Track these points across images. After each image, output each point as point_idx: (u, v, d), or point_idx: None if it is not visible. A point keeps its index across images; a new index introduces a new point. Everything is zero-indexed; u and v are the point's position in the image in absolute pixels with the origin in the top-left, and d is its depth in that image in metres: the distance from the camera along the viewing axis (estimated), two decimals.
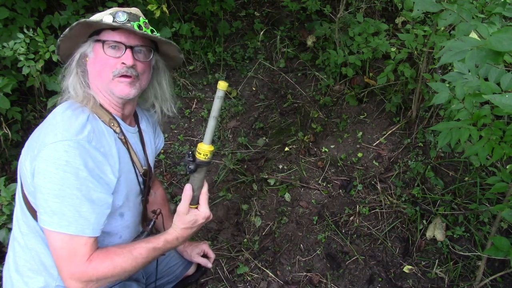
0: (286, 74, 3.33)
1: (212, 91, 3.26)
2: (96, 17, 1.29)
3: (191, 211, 1.32)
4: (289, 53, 3.41)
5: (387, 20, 3.34)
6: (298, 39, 3.51)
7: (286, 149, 2.85)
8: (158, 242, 1.28)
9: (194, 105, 3.17)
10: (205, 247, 1.71)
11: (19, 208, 1.30)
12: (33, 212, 1.24)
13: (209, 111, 3.10)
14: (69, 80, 1.30)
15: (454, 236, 2.32)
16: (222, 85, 1.27)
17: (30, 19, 2.68)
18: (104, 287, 1.20)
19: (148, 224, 1.41)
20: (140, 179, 1.40)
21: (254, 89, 3.30)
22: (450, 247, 2.29)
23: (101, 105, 1.30)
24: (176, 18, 3.29)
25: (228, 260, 2.31)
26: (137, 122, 1.46)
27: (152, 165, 1.51)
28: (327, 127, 2.99)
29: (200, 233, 2.43)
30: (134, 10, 1.34)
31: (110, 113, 1.31)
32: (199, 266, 1.91)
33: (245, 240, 2.40)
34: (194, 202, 1.34)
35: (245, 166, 2.78)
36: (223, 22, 3.46)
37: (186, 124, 3.08)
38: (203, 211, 1.33)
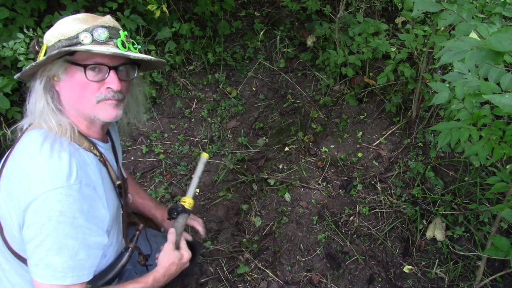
0: (286, 74, 3.33)
1: (212, 91, 3.26)
2: (68, 31, 1.10)
3: (176, 250, 1.42)
4: (289, 53, 3.41)
5: (387, 20, 3.34)
6: (298, 39, 3.51)
7: (286, 149, 2.85)
8: (147, 281, 1.28)
9: (194, 105, 3.17)
10: (194, 223, 1.70)
11: None
12: (15, 254, 1.17)
13: (209, 111, 3.11)
14: (38, 108, 1.14)
15: (454, 236, 2.32)
16: (205, 156, 1.68)
17: (30, 19, 2.68)
18: None
19: (132, 240, 1.37)
20: (117, 192, 1.33)
21: (254, 89, 3.30)
22: (450, 247, 2.29)
23: (78, 132, 1.18)
24: (176, 18, 3.29)
25: (228, 260, 2.31)
26: (109, 135, 1.38)
27: (124, 174, 1.44)
28: (327, 127, 2.99)
29: None
30: (110, 21, 1.16)
31: (87, 137, 1.20)
32: None
33: (245, 240, 2.40)
34: (175, 246, 1.49)
35: (245, 166, 2.78)
36: (223, 22, 3.46)
37: (186, 124, 3.08)
38: (186, 252, 1.45)
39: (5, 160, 1.17)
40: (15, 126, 1.22)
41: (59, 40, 1.11)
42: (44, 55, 1.12)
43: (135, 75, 1.22)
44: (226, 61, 3.40)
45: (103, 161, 1.24)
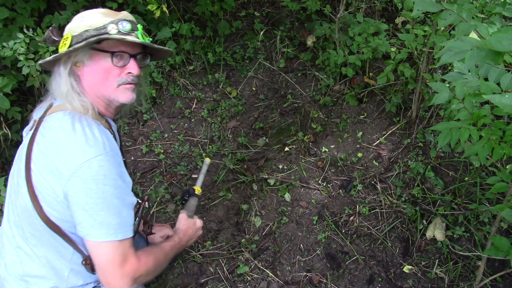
0: (286, 74, 3.33)
1: (212, 91, 3.26)
2: (94, 22, 1.28)
3: (189, 218, 1.71)
4: (289, 53, 3.41)
5: (387, 20, 3.34)
6: (298, 39, 3.51)
7: (286, 149, 2.85)
8: (174, 239, 1.56)
9: (194, 105, 3.17)
10: (167, 230, 1.87)
11: (27, 222, 1.30)
12: (51, 224, 1.27)
13: (209, 111, 3.11)
14: (63, 90, 1.31)
15: (454, 236, 2.32)
16: (208, 160, 2.02)
17: (30, 19, 2.68)
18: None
19: (138, 211, 1.50)
20: None
21: (254, 89, 3.30)
22: (450, 247, 2.29)
23: (98, 111, 1.36)
24: (176, 18, 3.29)
25: (228, 260, 2.31)
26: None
27: None
28: (327, 127, 2.99)
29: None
30: (129, 15, 1.35)
31: (104, 117, 1.38)
32: None
33: (245, 240, 2.40)
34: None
35: (245, 166, 2.78)
36: (223, 22, 3.46)
37: (186, 124, 3.08)
38: (198, 220, 1.75)
39: (32, 139, 1.29)
40: (37, 107, 1.40)
41: (86, 30, 1.27)
42: (70, 43, 1.28)
43: (148, 62, 1.41)
44: (226, 61, 3.40)
45: (117, 141, 1.41)
